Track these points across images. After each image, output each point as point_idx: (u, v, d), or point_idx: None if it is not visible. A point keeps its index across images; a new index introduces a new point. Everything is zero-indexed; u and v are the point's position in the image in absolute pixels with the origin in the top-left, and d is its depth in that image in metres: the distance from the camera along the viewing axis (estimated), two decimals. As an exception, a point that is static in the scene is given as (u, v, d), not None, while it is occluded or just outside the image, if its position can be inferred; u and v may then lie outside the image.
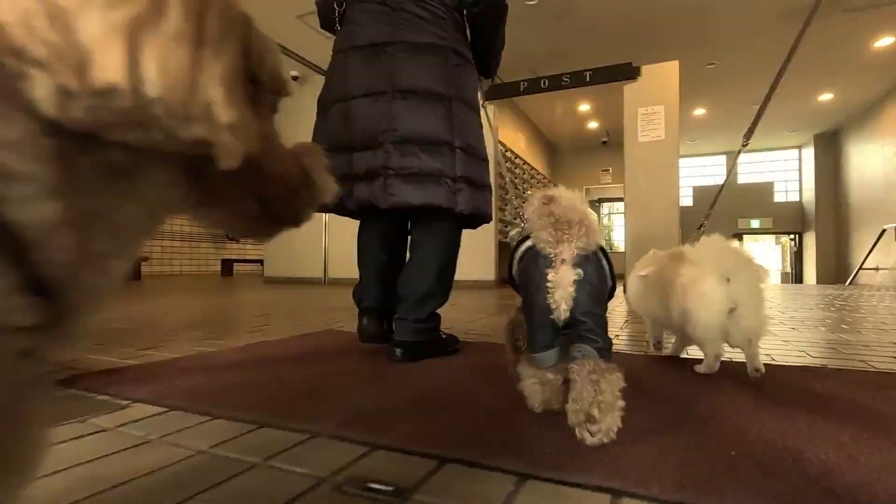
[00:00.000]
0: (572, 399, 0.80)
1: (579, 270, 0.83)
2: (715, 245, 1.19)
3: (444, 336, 1.52)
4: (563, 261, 0.83)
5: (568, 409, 0.80)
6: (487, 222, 1.58)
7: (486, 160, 1.54)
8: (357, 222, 1.58)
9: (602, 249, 0.91)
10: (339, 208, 1.45)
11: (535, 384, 0.89)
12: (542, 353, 0.86)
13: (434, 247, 1.43)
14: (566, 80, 5.18)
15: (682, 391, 1.08)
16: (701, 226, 1.41)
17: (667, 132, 4.79)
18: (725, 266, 1.14)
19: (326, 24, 1.55)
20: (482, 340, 1.81)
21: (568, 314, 0.81)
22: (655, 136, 4.82)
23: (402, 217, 1.50)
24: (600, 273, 0.88)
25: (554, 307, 0.81)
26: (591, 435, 0.75)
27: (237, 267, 11.14)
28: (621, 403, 0.78)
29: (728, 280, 1.13)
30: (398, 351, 1.38)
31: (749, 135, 1.58)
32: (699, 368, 1.23)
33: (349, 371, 1.27)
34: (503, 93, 5.55)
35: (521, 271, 0.94)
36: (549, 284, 0.82)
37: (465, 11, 1.46)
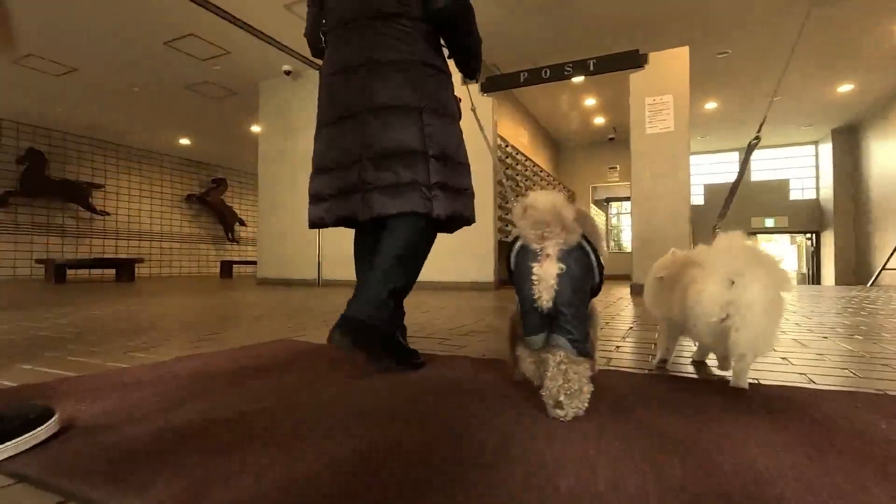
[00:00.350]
0: (544, 385, 0.90)
1: (562, 265, 0.91)
2: (726, 244, 1.07)
3: (404, 344, 1.38)
4: (547, 255, 0.92)
5: (541, 394, 0.91)
6: (468, 225, 1.57)
7: (464, 164, 1.54)
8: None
9: (588, 244, 0.97)
10: (326, 223, 1.49)
11: (531, 363, 1.03)
12: (533, 336, 0.97)
13: (399, 233, 1.40)
14: (569, 69, 4.88)
15: (695, 432, 0.79)
16: (715, 227, 1.27)
17: (676, 123, 4.48)
18: (732, 267, 1.01)
19: (316, 53, 1.61)
20: (455, 353, 1.53)
21: (550, 304, 0.90)
22: (664, 127, 4.51)
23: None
24: (583, 266, 0.94)
25: (537, 297, 0.91)
26: (560, 416, 0.86)
27: (237, 268, 10.95)
28: (589, 388, 0.90)
29: (732, 283, 1.00)
30: (337, 332, 1.21)
31: (759, 128, 1.43)
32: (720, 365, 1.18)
33: (255, 399, 0.99)
34: (502, 84, 5.27)
35: (515, 266, 1.00)
36: (533, 277, 0.92)
37: (432, 20, 1.47)
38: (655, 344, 1.64)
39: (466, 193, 1.53)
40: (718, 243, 1.08)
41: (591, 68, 4.77)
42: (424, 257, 1.45)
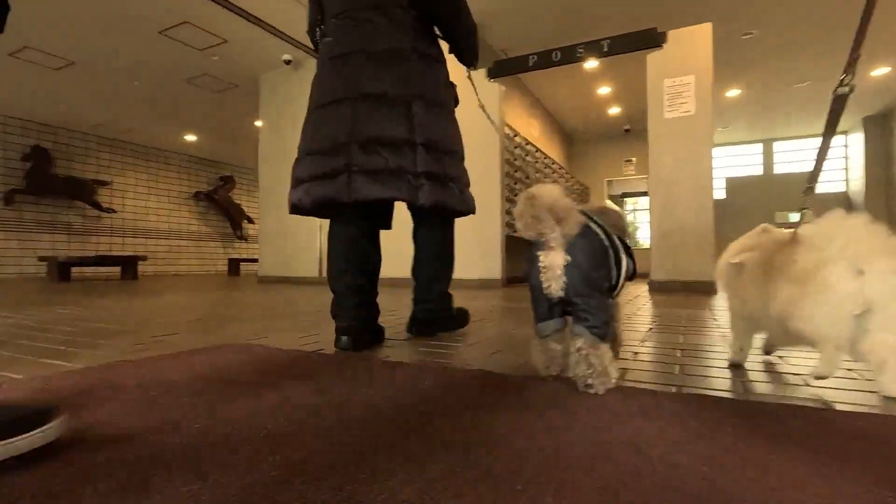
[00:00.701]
0: (571, 369, 0.95)
1: (567, 256, 0.92)
2: (843, 224, 0.91)
3: (453, 313, 1.69)
4: (551, 247, 0.93)
5: (570, 376, 0.96)
6: (459, 216, 1.61)
7: (455, 152, 1.56)
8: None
9: (598, 230, 0.98)
10: (301, 209, 1.48)
11: (539, 351, 1.03)
12: (541, 323, 1.00)
13: (433, 240, 1.59)
14: (581, 51, 4.56)
15: (734, 489, 0.51)
16: (803, 206, 1.12)
17: (698, 106, 4.13)
18: (858, 252, 0.84)
19: (315, 46, 1.65)
20: (450, 363, 1.25)
21: (561, 293, 0.93)
22: (684, 111, 4.16)
23: (369, 219, 1.52)
24: (591, 253, 0.94)
25: (546, 286, 0.94)
26: (592, 390, 0.91)
27: (244, 266, 10.82)
28: (614, 368, 0.94)
29: (861, 272, 0.82)
30: (414, 328, 1.62)
31: (851, 68, 1.13)
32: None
33: (142, 431, 0.73)
34: (510, 68, 4.96)
35: (527, 258, 1.00)
36: (540, 265, 0.94)
37: (417, 8, 1.48)
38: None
39: (456, 183, 1.53)
40: (830, 222, 0.91)
41: (606, 49, 4.44)
42: (453, 250, 1.66)
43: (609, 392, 0.91)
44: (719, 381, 1.03)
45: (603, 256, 0.96)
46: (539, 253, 0.93)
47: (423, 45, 1.49)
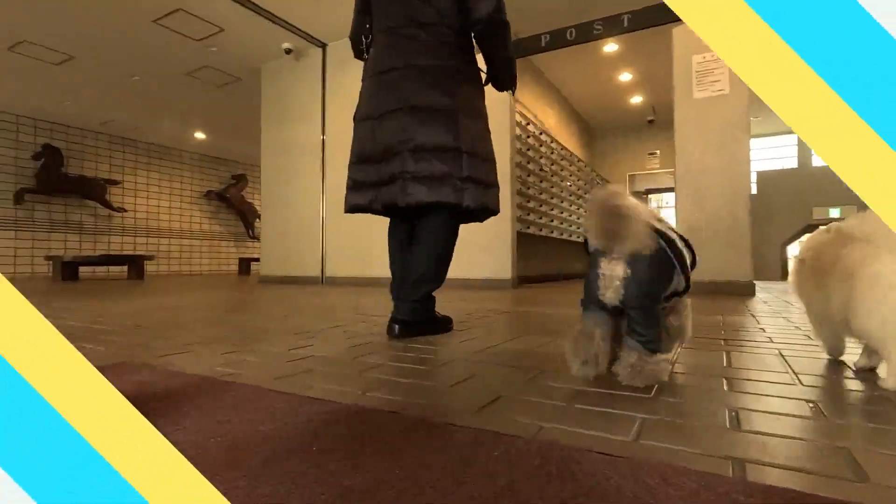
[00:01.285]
0: (622, 378, 0.93)
1: (628, 270, 0.90)
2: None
3: (438, 317, 1.67)
4: (614, 257, 0.91)
5: (618, 379, 0.94)
6: (494, 215, 1.72)
7: (492, 161, 1.67)
8: (354, 219, 2.00)
9: (669, 245, 0.93)
10: (370, 209, 1.63)
11: (579, 343, 0.97)
12: (587, 311, 0.98)
13: (433, 238, 1.61)
14: (598, 27, 4.14)
15: None
16: None
17: (732, 85, 3.67)
18: None
19: (358, 54, 1.77)
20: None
21: (616, 303, 0.92)
22: (716, 90, 3.70)
23: (411, 219, 1.67)
24: (653, 268, 0.91)
25: (601, 293, 0.93)
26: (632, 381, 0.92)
27: (255, 265, 10.66)
28: (667, 373, 0.94)
29: None
30: (396, 328, 1.56)
31: None
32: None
33: None
34: (522, 50, 4.56)
35: (590, 252, 0.99)
36: (600, 271, 0.92)
37: (471, 32, 1.60)
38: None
39: (493, 187, 1.67)
40: (871, 216, 0.84)
41: (626, 24, 4.02)
42: (452, 252, 1.66)
43: (620, 478, 0.54)
44: (800, 447, 0.64)
45: (667, 269, 0.93)
46: (601, 259, 0.92)
47: (465, 64, 1.62)
